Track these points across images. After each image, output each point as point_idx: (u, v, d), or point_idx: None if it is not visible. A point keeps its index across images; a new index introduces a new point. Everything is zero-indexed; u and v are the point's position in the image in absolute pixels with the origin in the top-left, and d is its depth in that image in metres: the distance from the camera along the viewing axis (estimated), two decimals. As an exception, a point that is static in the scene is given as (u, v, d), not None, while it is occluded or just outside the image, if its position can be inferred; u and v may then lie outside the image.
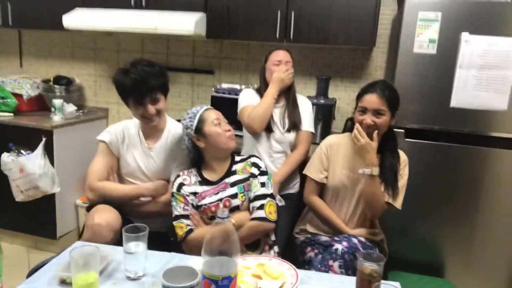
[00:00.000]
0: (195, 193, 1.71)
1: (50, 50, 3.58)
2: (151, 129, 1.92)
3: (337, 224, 1.88)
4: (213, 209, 1.68)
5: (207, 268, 1.02)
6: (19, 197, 2.67)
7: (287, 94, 2.22)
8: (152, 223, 1.59)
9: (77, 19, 2.82)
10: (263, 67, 2.24)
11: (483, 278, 2.29)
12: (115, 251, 1.36)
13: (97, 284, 1.11)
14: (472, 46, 2.09)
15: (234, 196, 1.69)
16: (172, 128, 1.97)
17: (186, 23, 2.61)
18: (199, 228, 1.67)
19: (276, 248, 1.77)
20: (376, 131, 1.75)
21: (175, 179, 1.76)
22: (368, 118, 1.77)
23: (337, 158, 1.92)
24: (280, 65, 2.15)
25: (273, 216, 1.66)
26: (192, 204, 1.70)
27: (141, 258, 1.25)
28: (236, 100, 2.28)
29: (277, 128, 2.17)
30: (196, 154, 1.79)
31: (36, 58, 3.63)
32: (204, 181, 1.74)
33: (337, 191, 1.91)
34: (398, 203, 1.83)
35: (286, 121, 2.18)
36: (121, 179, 1.96)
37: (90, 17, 2.81)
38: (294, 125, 2.17)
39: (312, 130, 2.25)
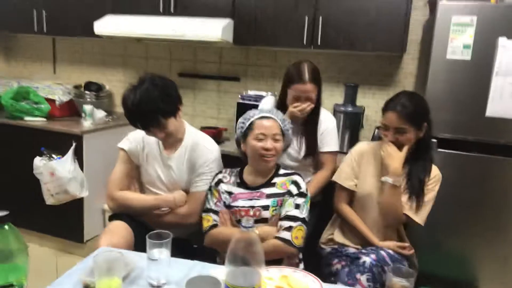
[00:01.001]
0: (230, 193, 1.72)
1: (82, 56, 3.68)
2: (169, 140, 1.87)
3: (366, 234, 1.82)
4: (242, 213, 1.67)
5: (230, 278, 1.00)
6: (49, 200, 2.75)
7: (311, 115, 2.08)
8: (172, 232, 1.57)
9: (107, 26, 2.89)
10: (284, 82, 2.06)
11: (520, 296, 2.18)
12: (139, 257, 1.35)
13: (120, 290, 1.10)
14: (509, 52, 2.00)
15: (266, 208, 1.66)
16: (191, 139, 1.90)
17: (213, 29, 2.63)
18: (224, 227, 1.67)
19: (301, 265, 1.74)
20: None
21: (216, 174, 1.78)
22: (390, 136, 1.74)
23: (367, 166, 1.87)
24: (299, 100, 1.99)
25: (299, 242, 1.59)
26: (224, 202, 1.71)
27: (164, 265, 1.24)
28: (262, 108, 2.24)
29: (292, 146, 2.07)
30: (243, 154, 1.78)
31: (69, 65, 3.74)
32: (242, 184, 1.74)
33: (365, 200, 1.86)
34: (420, 218, 1.76)
35: (303, 146, 2.09)
36: (141, 187, 1.96)
37: (120, 24, 2.88)
38: (309, 154, 2.09)
39: (336, 148, 2.15)
